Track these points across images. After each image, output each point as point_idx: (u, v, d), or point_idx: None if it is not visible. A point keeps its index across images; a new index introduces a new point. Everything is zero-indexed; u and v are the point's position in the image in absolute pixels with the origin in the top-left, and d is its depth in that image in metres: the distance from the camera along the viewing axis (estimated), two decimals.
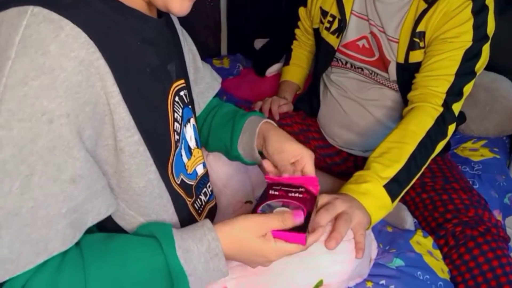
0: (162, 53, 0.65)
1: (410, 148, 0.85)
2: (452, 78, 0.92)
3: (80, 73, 0.50)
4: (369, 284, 0.82)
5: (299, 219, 0.59)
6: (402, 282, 0.84)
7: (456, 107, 0.94)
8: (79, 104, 0.50)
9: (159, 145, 0.64)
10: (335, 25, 1.14)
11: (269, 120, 0.81)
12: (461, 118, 1.15)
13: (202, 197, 0.77)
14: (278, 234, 0.60)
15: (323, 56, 1.20)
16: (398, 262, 0.89)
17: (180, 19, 0.77)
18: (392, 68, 1.06)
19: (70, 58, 0.49)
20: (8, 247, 0.48)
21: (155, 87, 0.64)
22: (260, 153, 0.81)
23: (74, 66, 0.49)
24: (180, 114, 0.70)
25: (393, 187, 0.80)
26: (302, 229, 0.60)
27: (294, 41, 1.41)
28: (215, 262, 0.58)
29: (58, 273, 0.52)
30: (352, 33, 1.11)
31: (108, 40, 0.54)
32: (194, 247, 0.58)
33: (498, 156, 1.33)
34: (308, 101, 1.32)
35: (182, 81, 0.71)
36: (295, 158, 0.73)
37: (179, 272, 0.56)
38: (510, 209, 1.26)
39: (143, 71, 0.60)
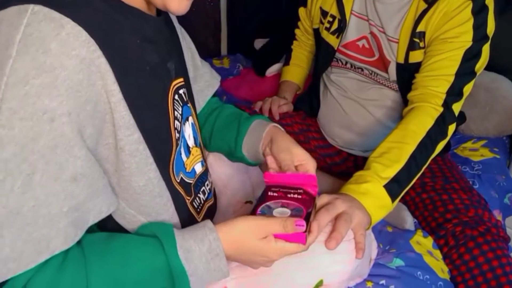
0: (161, 51, 0.65)
1: (410, 148, 0.85)
2: (452, 78, 0.92)
3: (81, 71, 0.50)
4: (369, 284, 0.82)
5: (301, 227, 0.59)
6: (402, 282, 0.84)
7: (456, 107, 0.94)
8: (80, 102, 0.50)
9: (160, 143, 0.64)
10: (335, 25, 1.14)
11: (277, 125, 0.82)
12: (461, 118, 1.15)
13: (201, 196, 0.77)
14: (279, 233, 0.60)
15: (323, 56, 1.20)
16: (398, 262, 0.89)
17: (180, 18, 0.77)
18: (392, 68, 1.06)
19: (71, 57, 0.49)
20: (9, 246, 0.48)
21: (156, 85, 0.64)
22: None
23: (75, 64, 0.49)
24: (180, 112, 0.70)
25: (393, 187, 0.80)
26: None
27: (294, 41, 1.41)
28: (216, 262, 0.59)
29: (59, 272, 0.52)
30: (352, 33, 1.11)
31: (109, 39, 0.54)
32: (196, 247, 0.58)
33: (498, 156, 1.34)
34: (308, 101, 1.32)
35: (181, 79, 0.71)
36: (299, 162, 0.73)
37: (180, 272, 0.56)
38: (510, 209, 1.26)
39: (143, 70, 0.60)
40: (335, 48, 1.15)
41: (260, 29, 1.92)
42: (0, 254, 0.48)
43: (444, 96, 0.92)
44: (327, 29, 1.16)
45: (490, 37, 0.94)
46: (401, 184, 0.82)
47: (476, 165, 1.29)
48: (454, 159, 1.29)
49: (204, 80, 0.88)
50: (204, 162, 0.77)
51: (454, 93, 0.92)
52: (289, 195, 0.68)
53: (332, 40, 1.15)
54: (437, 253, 0.96)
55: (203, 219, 0.76)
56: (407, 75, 1.03)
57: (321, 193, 0.76)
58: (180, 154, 0.70)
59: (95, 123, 0.53)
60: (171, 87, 0.67)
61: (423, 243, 0.96)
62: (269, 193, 0.68)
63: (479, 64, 0.94)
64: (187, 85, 0.75)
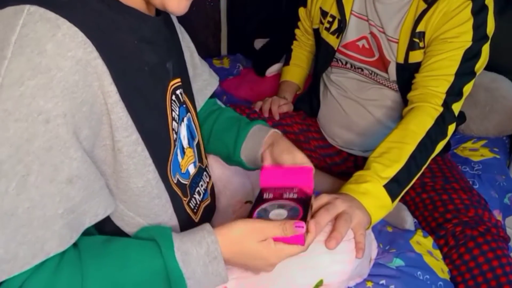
0: (160, 51, 0.65)
1: (410, 148, 0.85)
2: (452, 78, 0.92)
3: (77, 72, 0.49)
4: (369, 284, 0.82)
5: (300, 229, 0.59)
6: (402, 282, 0.84)
7: (456, 107, 0.94)
8: (75, 104, 0.50)
9: (159, 144, 0.64)
10: (335, 26, 1.14)
11: (277, 130, 0.82)
12: (461, 118, 1.15)
13: (196, 196, 0.77)
14: (277, 236, 0.60)
15: (323, 56, 1.20)
16: (398, 262, 0.89)
17: (180, 18, 0.77)
18: (392, 68, 1.06)
19: (67, 58, 0.49)
20: (4, 247, 0.47)
21: (154, 86, 0.63)
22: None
23: (71, 65, 0.49)
24: (177, 113, 0.70)
25: (393, 187, 0.81)
26: None
27: (294, 41, 1.41)
28: (214, 265, 0.58)
29: (55, 274, 0.51)
30: (352, 33, 1.12)
31: (105, 39, 0.54)
32: (193, 250, 0.57)
33: (498, 156, 1.33)
34: (308, 101, 1.32)
35: (178, 79, 0.71)
36: (300, 164, 0.73)
37: (177, 275, 0.56)
38: (510, 209, 1.26)
39: (142, 70, 0.60)
40: (335, 48, 1.15)
41: (260, 29, 1.92)
42: None
43: (444, 96, 0.92)
44: (327, 29, 1.16)
45: (490, 37, 0.94)
46: (401, 184, 0.82)
47: (476, 165, 1.29)
48: (454, 159, 1.29)
49: (203, 79, 0.88)
50: (196, 163, 0.77)
51: (454, 93, 0.92)
52: (285, 196, 0.68)
53: (332, 40, 1.15)
54: (437, 253, 0.96)
55: (200, 220, 0.76)
56: (407, 75, 1.03)
57: (321, 193, 0.76)
58: (177, 155, 0.70)
59: (92, 124, 0.53)
60: (169, 88, 0.67)
61: (423, 243, 0.96)
62: (265, 195, 0.68)
63: (479, 64, 0.94)
64: (185, 85, 0.75)
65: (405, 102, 1.05)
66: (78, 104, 0.50)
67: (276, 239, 0.60)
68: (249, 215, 0.64)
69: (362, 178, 0.80)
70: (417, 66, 0.99)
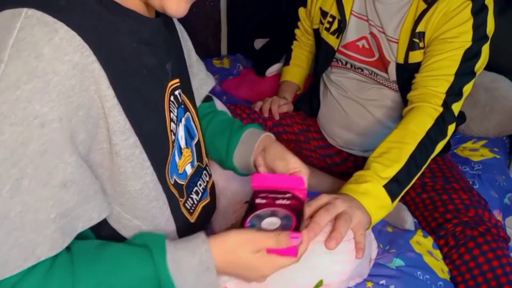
0: (160, 53, 0.65)
1: (410, 148, 0.85)
2: (451, 78, 0.92)
3: (73, 77, 0.49)
4: (369, 284, 0.82)
5: (295, 240, 0.59)
6: (402, 282, 0.84)
7: (456, 107, 0.94)
8: (72, 108, 0.50)
9: (158, 146, 0.64)
10: (335, 26, 1.14)
11: (270, 134, 0.82)
12: (461, 118, 1.15)
13: (194, 196, 0.77)
14: (271, 248, 0.60)
15: (323, 57, 1.20)
16: (398, 262, 0.89)
17: (180, 18, 0.77)
18: (392, 69, 1.06)
19: (64, 62, 0.49)
20: None
21: (153, 88, 0.63)
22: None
23: (67, 69, 0.49)
24: (176, 114, 0.70)
25: (393, 187, 0.80)
26: None
27: (294, 41, 1.41)
28: (206, 275, 0.58)
29: (46, 278, 0.51)
30: (351, 33, 1.12)
31: (104, 43, 0.53)
32: (186, 259, 0.57)
33: (498, 156, 1.33)
34: (308, 101, 1.32)
35: (177, 80, 0.71)
36: (294, 170, 0.73)
37: (168, 283, 0.56)
38: (510, 209, 1.26)
39: (141, 73, 0.60)
40: (335, 49, 1.15)
41: (260, 29, 1.92)
42: None
43: (443, 96, 0.92)
44: (327, 29, 1.16)
45: (490, 37, 0.94)
46: (401, 184, 0.82)
47: (476, 165, 1.29)
48: (454, 159, 1.29)
49: (199, 78, 0.88)
50: (194, 162, 0.77)
51: (453, 93, 0.92)
52: (277, 201, 0.67)
53: (332, 40, 1.15)
54: (437, 253, 0.96)
55: (196, 220, 0.76)
56: (406, 75, 1.03)
57: (321, 193, 0.76)
58: (174, 156, 0.70)
59: (88, 128, 0.53)
60: (167, 89, 0.67)
61: (423, 243, 0.96)
62: (257, 201, 0.67)
63: (479, 64, 0.94)
64: (184, 84, 0.75)
65: (405, 102, 1.05)
66: (75, 108, 0.50)
67: (269, 251, 0.60)
68: (242, 223, 0.63)
69: (362, 178, 0.80)
70: (417, 66, 0.99)
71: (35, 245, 0.49)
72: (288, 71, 1.41)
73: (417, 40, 0.99)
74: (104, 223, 0.61)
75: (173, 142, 0.68)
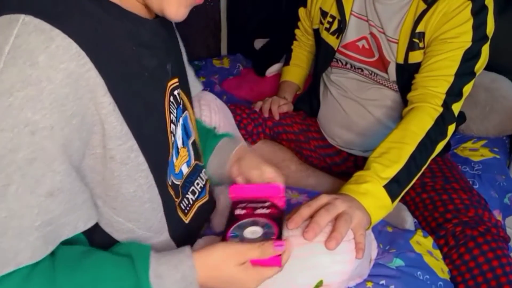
0: (159, 54, 0.65)
1: (410, 148, 0.85)
2: (451, 79, 0.92)
3: (67, 85, 0.49)
4: (369, 284, 0.82)
5: (280, 248, 0.59)
6: (402, 282, 0.84)
7: (456, 107, 0.94)
8: (65, 116, 0.50)
9: (157, 149, 0.64)
10: (335, 26, 1.14)
11: (244, 144, 0.82)
12: (461, 118, 1.15)
13: (190, 196, 0.77)
14: (255, 259, 0.60)
15: (323, 57, 1.20)
16: (398, 262, 0.89)
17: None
18: (392, 69, 1.06)
19: (59, 70, 0.48)
20: None
21: (154, 91, 0.63)
22: None
23: (62, 78, 0.49)
24: (175, 114, 0.70)
25: (393, 187, 0.80)
26: None
27: (294, 42, 1.41)
28: None
29: (25, 282, 0.51)
30: (351, 33, 1.12)
31: (102, 48, 0.53)
32: (168, 273, 0.57)
33: (498, 156, 1.33)
34: (308, 101, 1.32)
35: (176, 79, 0.71)
36: (269, 179, 0.74)
37: None
38: (510, 209, 1.26)
39: (141, 76, 0.60)
40: (335, 49, 1.15)
41: (260, 29, 1.92)
42: None
43: (443, 96, 0.92)
44: (327, 29, 1.16)
45: (490, 37, 0.94)
46: (401, 184, 0.82)
47: (476, 165, 1.29)
48: (454, 159, 1.29)
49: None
50: (191, 161, 0.77)
51: (453, 93, 0.92)
52: (257, 211, 0.67)
53: (332, 40, 1.15)
54: (437, 253, 0.96)
55: (192, 219, 0.76)
56: (406, 75, 1.03)
57: (321, 193, 0.76)
58: (172, 156, 0.70)
59: (82, 135, 0.53)
60: (167, 89, 0.67)
61: (423, 243, 0.96)
62: (237, 212, 0.67)
63: (479, 64, 0.94)
64: (183, 83, 0.75)
65: (405, 102, 1.05)
66: (68, 116, 0.50)
67: (253, 262, 0.60)
68: (223, 235, 0.63)
69: (362, 179, 0.80)
70: (417, 67, 0.99)
71: (17, 251, 0.49)
72: (288, 71, 1.41)
73: (417, 41, 0.99)
74: (96, 227, 0.61)
75: (172, 143, 0.68)
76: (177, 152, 0.72)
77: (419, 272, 0.88)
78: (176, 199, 0.72)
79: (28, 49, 0.47)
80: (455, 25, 0.92)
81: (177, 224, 0.72)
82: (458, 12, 0.92)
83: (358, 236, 0.70)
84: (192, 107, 0.80)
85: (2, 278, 0.50)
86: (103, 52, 0.53)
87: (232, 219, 0.66)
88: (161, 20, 0.66)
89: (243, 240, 0.62)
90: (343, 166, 1.26)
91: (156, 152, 0.64)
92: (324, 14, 1.17)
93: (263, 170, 0.74)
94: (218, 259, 0.59)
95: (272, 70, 1.68)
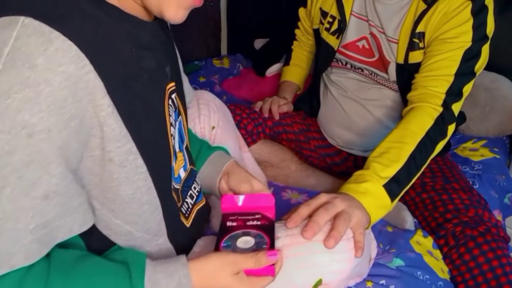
0: (159, 56, 0.65)
1: (409, 148, 0.85)
2: (451, 79, 0.92)
3: (66, 88, 0.49)
4: (369, 284, 0.82)
5: (273, 258, 0.60)
6: (402, 282, 0.84)
7: (456, 107, 0.94)
8: (63, 119, 0.50)
9: (157, 151, 0.64)
10: (335, 26, 1.14)
11: (235, 159, 0.84)
12: (461, 118, 1.15)
13: (189, 200, 0.77)
14: (248, 269, 0.60)
15: (323, 57, 1.20)
16: (398, 262, 0.89)
17: None
18: (392, 69, 1.06)
19: (57, 73, 0.48)
20: None
21: (154, 93, 0.63)
22: None
23: (60, 81, 0.49)
24: (173, 117, 0.70)
25: (392, 186, 0.81)
26: None
27: (294, 42, 1.41)
28: None
29: (20, 285, 0.51)
30: (351, 33, 1.12)
31: (102, 50, 0.53)
32: (164, 282, 0.57)
33: (498, 156, 1.33)
34: (308, 101, 1.32)
35: (173, 83, 0.71)
36: (258, 192, 0.75)
37: None
38: (510, 209, 1.26)
39: (141, 77, 0.60)
40: (335, 49, 1.15)
41: (260, 29, 1.92)
42: None
43: (443, 96, 0.92)
44: (327, 29, 1.16)
45: (490, 37, 0.94)
46: (401, 183, 0.82)
47: (476, 165, 1.29)
48: (454, 159, 1.29)
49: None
50: (187, 166, 0.77)
51: (453, 93, 0.92)
52: (248, 223, 0.68)
53: (332, 40, 1.15)
54: (437, 253, 0.96)
55: (192, 224, 0.77)
56: (406, 75, 1.03)
57: (321, 193, 0.76)
58: (172, 160, 0.70)
59: (80, 138, 0.53)
60: (166, 92, 0.67)
61: (423, 243, 0.96)
62: (228, 224, 0.68)
63: (479, 64, 0.94)
64: (178, 87, 0.75)
65: (405, 102, 1.05)
66: (66, 119, 0.50)
67: (247, 272, 0.60)
68: (216, 246, 0.64)
69: (362, 178, 0.80)
70: (417, 67, 0.99)
71: (11, 253, 0.49)
72: (288, 71, 1.41)
73: (417, 41, 0.99)
74: (93, 229, 0.61)
75: (173, 146, 0.68)
76: (175, 156, 0.72)
77: (419, 272, 0.88)
78: (178, 203, 0.72)
79: (27, 51, 0.47)
80: (455, 25, 0.92)
81: (177, 228, 0.72)
82: (458, 12, 0.92)
83: (357, 235, 0.71)
84: (186, 113, 0.80)
85: None
86: (102, 55, 0.53)
87: (224, 230, 0.67)
88: (159, 23, 0.66)
89: (235, 250, 0.63)
90: (343, 166, 1.26)
91: (155, 155, 0.64)
92: (324, 14, 1.17)
93: (252, 184, 0.76)
94: (213, 268, 0.59)
95: (272, 70, 1.68)
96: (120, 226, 0.63)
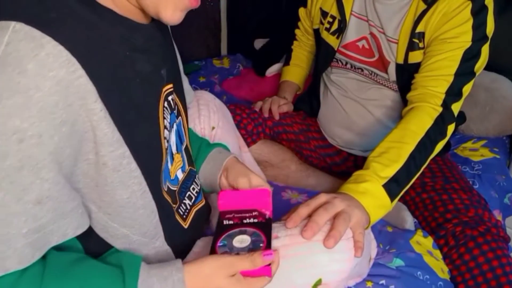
0: (154, 59, 0.64)
1: (409, 148, 0.85)
2: (451, 78, 0.92)
3: (56, 93, 0.49)
4: (369, 284, 0.82)
5: (268, 258, 0.60)
6: (402, 282, 0.84)
7: (456, 107, 0.94)
8: (54, 124, 0.50)
9: (150, 155, 0.64)
10: (335, 26, 1.14)
11: (235, 155, 0.83)
12: (461, 118, 1.15)
13: (187, 201, 0.77)
14: (245, 270, 0.60)
15: (323, 57, 1.20)
16: (398, 262, 0.89)
17: None
18: (392, 69, 1.06)
19: (48, 78, 0.48)
20: None
21: (148, 96, 0.63)
22: None
23: (50, 86, 0.48)
24: (169, 120, 0.69)
25: (392, 186, 0.81)
26: None
27: (294, 42, 1.41)
28: None
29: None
30: (351, 33, 1.12)
31: (94, 54, 0.53)
32: (157, 286, 0.57)
33: (498, 156, 1.33)
34: (308, 101, 1.32)
35: (171, 85, 0.70)
36: (256, 187, 0.75)
37: None
38: (510, 209, 1.26)
39: (134, 81, 0.60)
40: (335, 49, 1.15)
41: (260, 29, 1.92)
42: None
43: (443, 96, 0.92)
44: (327, 29, 1.16)
45: (490, 37, 0.94)
46: (400, 183, 0.82)
47: (476, 165, 1.29)
48: (454, 159, 1.29)
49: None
50: (185, 167, 0.77)
51: (453, 93, 0.92)
52: (245, 221, 0.68)
53: (332, 40, 1.15)
54: (437, 253, 0.96)
55: (190, 225, 0.77)
56: (406, 75, 1.03)
57: (321, 192, 0.76)
58: (167, 162, 0.70)
59: (73, 143, 0.53)
60: (162, 95, 0.67)
61: (423, 243, 0.96)
62: (225, 222, 0.68)
63: (479, 64, 0.94)
64: (177, 88, 0.75)
65: (405, 102, 1.05)
66: (57, 124, 0.50)
67: (243, 273, 0.60)
68: (212, 246, 0.64)
69: (361, 178, 0.80)
70: (416, 67, 0.99)
71: (4, 258, 0.50)
72: (288, 71, 1.41)
73: (416, 41, 0.99)
74: (91, 232, 0.61)
75: (166, 149, 0.68)
76: (172, 158, 0.72)
77: (419, 272, 0.88)
78: (173, 205, 0.72)
79: (18, 57, 0.47)
80: (455, 25, 0.92)
81: (175, 230, 0.72)
82: (458, 12, 0.92)
83: (357, 235, 0.71)
84: (186, 114, 0.80)
85: None
86: (95, 59, 0.53)
87: (221, 229, 0.67)
88: (157, 25, 0.66)
89: (232, 249, 0.63)
90: (343, 166, 1.26)
91: (149, 159, 0.64)
92: (324, 14, 1.17)
93: (250, 178, 0.75)
94: (209, 271, 0.59)
95: (272, 70, 1.68)
96: (117, 229, 0.63)
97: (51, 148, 0.50)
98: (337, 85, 1.20)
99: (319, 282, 0.68)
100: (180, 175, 0.75)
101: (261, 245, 0.63)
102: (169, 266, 0.59)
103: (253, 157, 1.18)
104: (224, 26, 2.03)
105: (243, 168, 0.79)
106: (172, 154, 0.72)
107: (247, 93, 1.67)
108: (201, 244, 0.80)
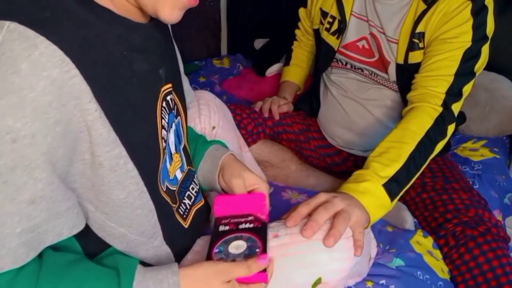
0: (152, 59, 0.64)
1: (409, 147, 0.85)
2: (451, 79, 0.92)
3: (50, 93, 0.49)
4: (369, 283, 0.82)
5: (263, 262, 0.60)
6: (402, 282, 0.84)
7: (456, 107, 0.94)
8: (48, 124, 0.49)
9: (147, 155, 0.64)
10: (335, 26, 1.14)
11: (232, 152, 0.83)
12: (461, 118, 1.15)
13: (186, 201, 0.77)
14: (240, 277, 0.60)
15: (323, 57, 1.20)
16: (398, 262, 0.89)
17: (181, 19, 0.77)
18: (392, 69, 1.06)
19: (41, 78, 0.48)
20: None
21: (145, 96, 0.63)
22: None
23: (44, 85, 0.48)
24: (167, 120, 0.69)
25: (392, 186, 0.81)
26: None
27: (295, 42, 1.41)
28: None
29: (9, 286, 0.51)
30: (351, 34, 1.12)
31: (90, 54, 0.53)
32: None
33: (498, 156, 1.34)
34: (308, 101, 1.32)
35: (170, 85, 0.70)
36: (252, 186, 0.74)
37: None
38: (510, 209, 1.26)
39: (131, 81, 0.60)
40: (335, 49, 1.15)
41: (260, 29, 1.92)
42: None
43: (443, 96, 0.92)
44: (327, 29, 1.16)
45: (490, 37, 0.94)
46: (400, 183, 0.82)
47: (476, 165, 1.29)
48: (454, 159, 1.29)
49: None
50: (184, 167, 0.77)
51: (453, 93, 0.93)
52: (240, 226, 0.68)
53: (332, 41, 1.15)
54: (437, 253, 0.96)
55: (190, 225, 0.76)
56: (406, 75, 1.03)
57: (321, 192, 0.76)
58: (166, 162, 0.70)
59: (67, 143, 0.52)
60: (160, 95, 0.67)
61: (423, 243, 0.96)
62: (220, 228, 0.68)
63: (479, 64, 0.94)
64: (176, 88, 0.75)
65: (405, 102, 1.05)
66: (51, 124, 0.50)
67: (239, 280, 0.60)
68: (208, 252, 0.64)
69: (361, 177, 0.80)
70: (416, 67, 0.99)
71: None
72: (288, 71, 1.41)
73: (417, 41, 0.99)
74: (89, 232, 0.61)
75: (164, 149, 0.68)
76: (171, 158, 0.72)
77: (419, 272, 0.88)
78: (173, 205, 0.72)
79: (12, 57, 0.47)
80: (455, 25, 0.92)
81: (175, 230, 0.72)
82: (458, 12, 0.92)
83: (357, 234, 0.71)
84: (186, 113, 0.80)
85: None
86: (90, 58, 0.53)
87: (217, 235, 0.67)
88: (157, 24, 0.66)
89: (228, 255, 0.63)
90: (343, 166, 1.26)
91: (146, 159, 0.63)
92: (324, 14, 1.17)
93: (244, 178, 0.75)
94: (203, 276, 0.59)
95: (272, 70, 1.68)
96: (115, 229, 0.63)
97: (44, 148, 0.50)
98: (337, 85, 1.20)
99: (318, 280, 0.68)
100: (179, 175, 0.75)
101: (257, 250, 0.63)
102: (164, 269, 0.59)
103: (253, 157, 1.18)
104: (224, 26, 2.03)
105: (237, 168, 0.78)
106: (170, 154, 0.72)
107: (247, 93, 1.67)
108: (201, 242, 0.80)
